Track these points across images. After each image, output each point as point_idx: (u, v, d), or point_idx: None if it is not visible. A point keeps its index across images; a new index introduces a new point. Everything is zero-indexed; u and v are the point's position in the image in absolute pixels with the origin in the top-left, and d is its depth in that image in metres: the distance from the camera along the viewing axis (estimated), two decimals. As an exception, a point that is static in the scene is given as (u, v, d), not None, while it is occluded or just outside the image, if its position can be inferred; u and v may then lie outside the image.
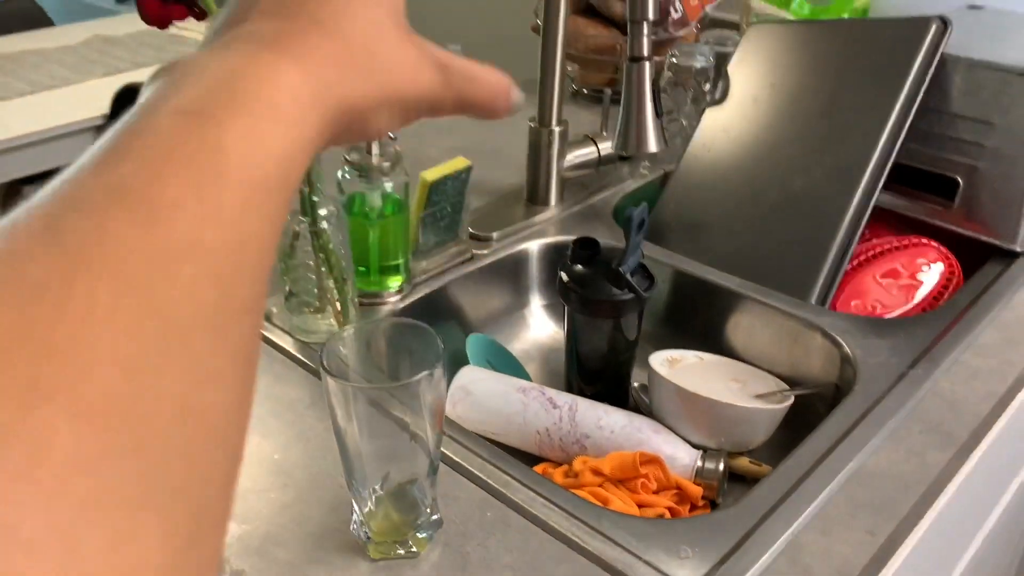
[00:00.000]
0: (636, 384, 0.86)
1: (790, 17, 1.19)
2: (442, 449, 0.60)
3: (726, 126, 0.97)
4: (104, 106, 1.82)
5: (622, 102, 0.76)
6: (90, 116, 1.81)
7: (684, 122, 1.06)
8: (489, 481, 0.61)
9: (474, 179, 0.94)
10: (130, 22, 2.45)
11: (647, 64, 0.74)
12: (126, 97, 1.77)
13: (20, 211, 0.19)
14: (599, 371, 0.84)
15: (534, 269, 0.93)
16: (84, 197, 0.19)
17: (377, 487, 0.55)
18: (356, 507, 0.56)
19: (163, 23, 0.58)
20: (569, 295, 0.79)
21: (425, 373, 0.51)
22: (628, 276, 0.77)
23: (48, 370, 0.16)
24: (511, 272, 0.92)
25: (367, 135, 0.28)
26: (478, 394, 0.79)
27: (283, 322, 0.77)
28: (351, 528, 0.57)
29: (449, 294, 0.86)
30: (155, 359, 0.17)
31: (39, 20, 2.48)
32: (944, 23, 0.88)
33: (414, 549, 0.56)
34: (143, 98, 0.23)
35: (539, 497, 0.59)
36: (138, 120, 0.22)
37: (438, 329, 0.86)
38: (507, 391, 0.79)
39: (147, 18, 0.58)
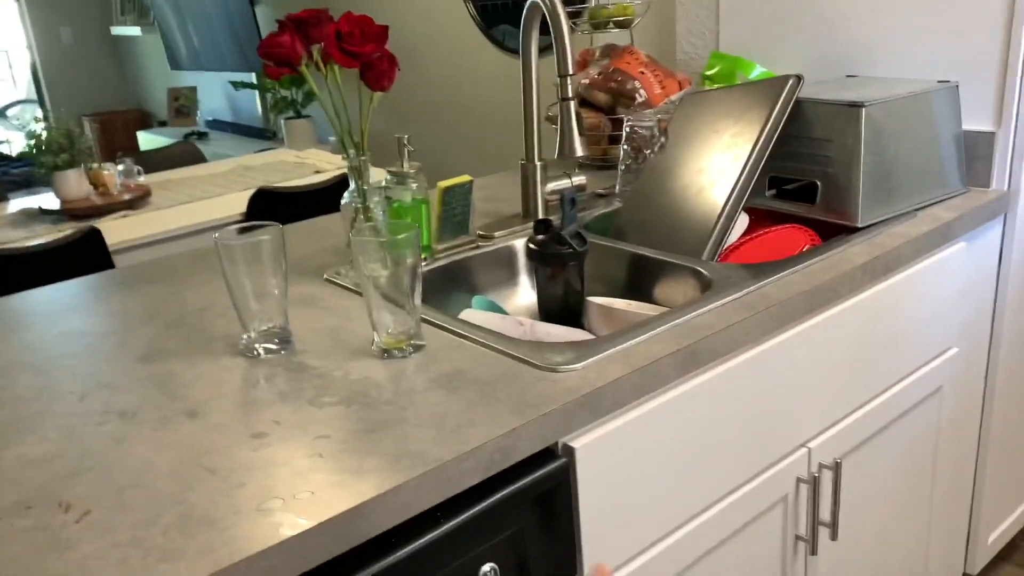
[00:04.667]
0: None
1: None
2: (439, 323, 1.01)
3: (664, 166, 1.38)
4: (241, 208, 2.38)
5: (559, 126, 1.19)
6: (230, 215, 2.38)
7: (635, 167, 1.48)
8: (461, 332, 1.00)
9: (486, 207, 1.36)
10: (265, 157, 3.10)
11: (572, 102, 1.17)
12: (259, 197, 2.33)
13: None
14: (558, 315, 1.23)
15: (521, 257, 1.34)
16: None
17: (388, 330, 0.96)
18: (376, 337, 0.97)
19: (278, 77, 1.06)
20: (532, 254, 1.20)
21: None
22: (567, 237, 1.17)
23: None
24: (506, 258, 1.33)
25: None
26: (473, 321, 1.18)
27: (345, 277, 1.21)
28: (371, 347, 0.97)
29: (462, 267, 1.28)
30: None
31: (197, 159, 3.17)
32: (799, 78, 1.29)
33: (406, 354, 0.95)
34: None
35: (489, 336, 0.98)
36: None
37: (454, 291, 1.29)
38: (491, 318, 1.18)
39: (269, 76, 1.07)
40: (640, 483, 0.93)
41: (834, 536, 1.19)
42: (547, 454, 0.84)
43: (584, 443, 0.85)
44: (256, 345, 0.99)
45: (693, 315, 1.00)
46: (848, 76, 1.50)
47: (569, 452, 0.85)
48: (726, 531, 1.05)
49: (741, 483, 1.06)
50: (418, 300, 0.96)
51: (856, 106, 1.23)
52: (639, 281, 1.26)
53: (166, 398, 0.90)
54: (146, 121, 5.96)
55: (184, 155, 3.13)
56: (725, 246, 1.24)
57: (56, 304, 1.21)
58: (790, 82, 1.29)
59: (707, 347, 0.95)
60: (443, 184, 1.25)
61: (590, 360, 0.90)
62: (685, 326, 0.97)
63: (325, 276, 1.23)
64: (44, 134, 2.34)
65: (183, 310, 1.15)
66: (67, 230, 2.07)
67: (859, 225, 1.24)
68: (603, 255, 1.29)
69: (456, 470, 0.76)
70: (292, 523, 0.67)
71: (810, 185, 1.31)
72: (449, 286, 1.27)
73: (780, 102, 1.27)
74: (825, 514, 1.17)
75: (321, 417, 0.84)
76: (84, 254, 1.98)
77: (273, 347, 0.99)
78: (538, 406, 0.82)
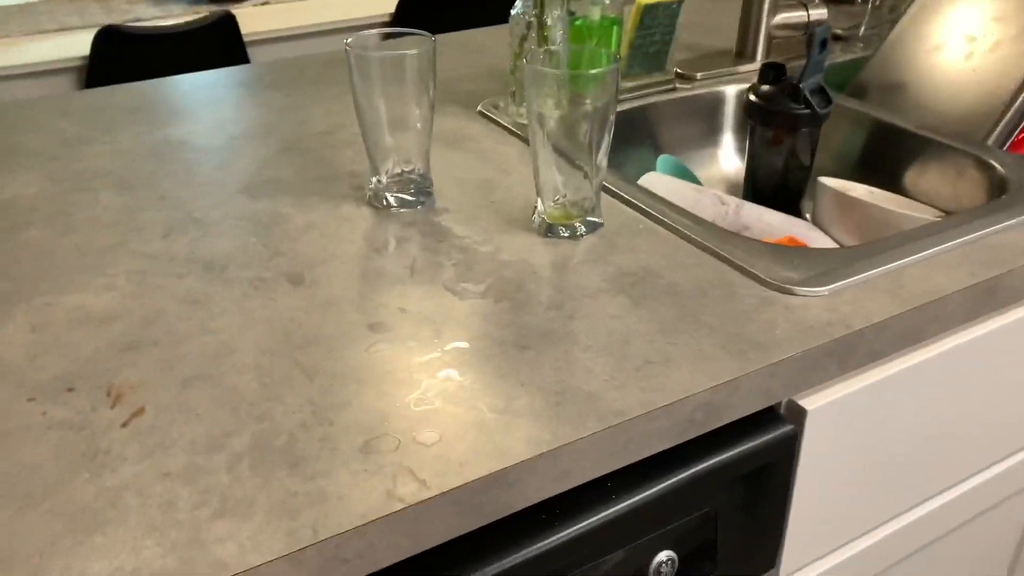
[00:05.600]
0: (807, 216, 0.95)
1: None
2: (615, 190, 0.75)
3: (939, 8, 1.02)
4: (389, 9, 2.12)
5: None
6: (378, 15, 2.12)
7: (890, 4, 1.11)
8: (647, 208, 0.74)
9: (687, 38, 1.06)
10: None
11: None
12: (408, 2, 2.05)
13: None
14: (770, 194, 0.94)
15: (729, 110, 1.04)
16: None
17: (557, 197, 0.71)
18: (540, 205, 0.72)
19: None
20: (752, 110, 0.90)
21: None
22: (806, 92, 0.87)
23: None
24: (708, 109, 1.03)
25: None
26: (657, 192, 0.92)
27: (505, 112, 0.95)
28: (532, 217, 0.73)
29: (648, 114, 1.00)
30: None
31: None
32: None
33: (577, 234, 0.71)
34: None
35: (685, 219, 0.72)
36: None
37: (633, 146, 1.01)
38: (682, 189, 0.91)
39: None
40: (870, 459, 0.68)
41: (1088, 529, 0.92)
42: (766, 416, 0.60)
43: (819, 406, 0.60)
44: (387, 193, 0.76)
45: (989, 231, 0.70)
46: None
47: (798, 416, 0.60)
48: (961, 518, 0.80)
49: (991, 463, 0.79)
50: (603, 159, 0.70)
51: None
52: (885, 162, 0.94)
53: (266, 250, 0.70)
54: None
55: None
56: (1018, 133, 0.90)
57: (166, 101, 1.02)
58: None
59: (1011, 283, 0.66)
60: (645, 0, 0.95)
61: (843, 283, 0.63)
62: (978, 246, 0.68)
63: (480, 108, 0.97)
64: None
65: (305, 130, 0.93)
66: (202, 12, 1.88)
67: None
68: (838, 120, 0.98)
69: (641, 431, 0.52)
70: (409, 485, 0.46)
71: None
72: (629, 138, 0.99)
73: None
74: (1089, 505, 0.89)
75: (460, 312, 0.61)
76: (216, 41, 1.78)
77: (408, 198, 0.76)
78: (767, 347, 0.57)
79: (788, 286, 0.62)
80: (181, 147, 0.89)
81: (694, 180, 1.00)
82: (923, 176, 0.90)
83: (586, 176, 0.70)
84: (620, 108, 0.98)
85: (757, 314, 0.60)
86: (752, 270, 0.65)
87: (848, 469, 0.66)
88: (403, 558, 0.47)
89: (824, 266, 0.65)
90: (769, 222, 0.87)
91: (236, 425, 0.51)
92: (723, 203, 0.89)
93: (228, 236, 0.72)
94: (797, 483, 0.63)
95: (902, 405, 0.66)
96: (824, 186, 0.87)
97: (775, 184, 0.93)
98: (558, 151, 0.69)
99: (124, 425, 0.51)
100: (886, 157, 0.94)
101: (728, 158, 1.04)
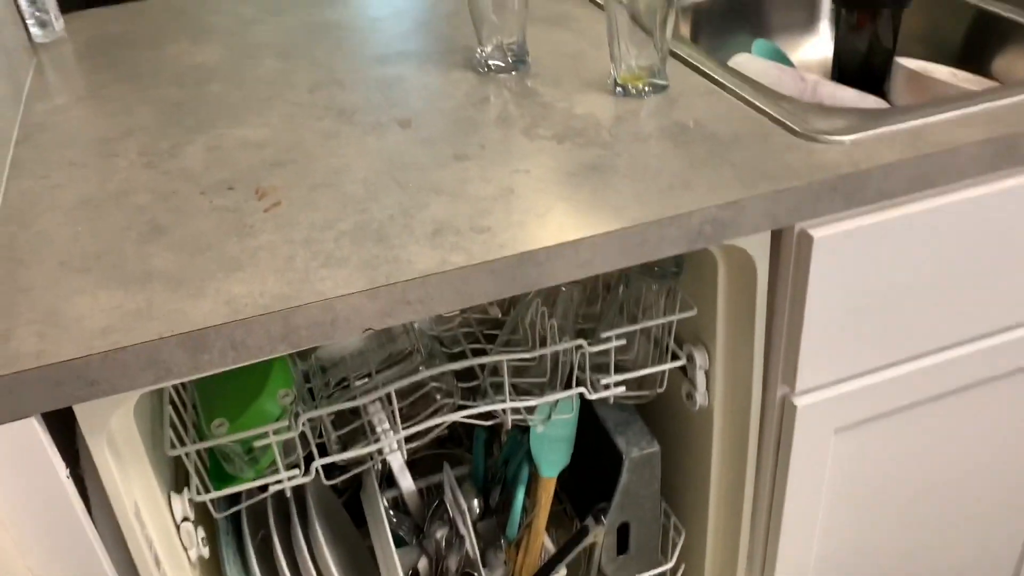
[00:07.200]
0: (891, 96, 1.00)
1: None
2: (690, 60, 0.85)
3: None
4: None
5: None
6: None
7: None
8: (713, 75, 0.84)
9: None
10: None
11: None
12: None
13: None
14: (855, 76, 1.00)
15: (828, -1, 1.09)
16: None
17: (629, 63, 0.82)
18: (614, 70, 0.83)
19: None
20: (836, -7, 0.96)
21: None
22: (887, -24, 0.92)
23: None
24: (807, -3, 1.09)
25: None
26: (744, 71, 1.00)
27: (612, -4, 1.05)
28: (607, 83, 0.85)
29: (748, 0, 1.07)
30: None
31: None
32: None
33: (643, 94, 0.82)
34: None
35: (745, 85, 0.81)
36: None
37: (732, 31, 1.10)
38: (767, 68, 0.99)
39: None
40: (880, 297, 0.76)
41: None
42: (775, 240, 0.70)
43: (827, 235, 0.70)
44: (488, 60, 0.90)
45: (1028, 97, 0.75)
46: None
47: (806, 243, 0.70)
48: (969, 378, 0.86)
49: (1002, 328, 0.84)
50: (669, 31, 0.80)
51: None
52: (977, 48, 0.98)
53: (386, 103, 0.86)
54: None
55: None
56: (1114, 13, 0.91)
57: (324, -7, 1.20)
58: None
59: (1034, 142, 0.72)
60: None
61: (864, 134, 0.71)
62: (1012, 109, 0.73)
63: (587, -6, 1.08)
64: None
65: (435, 12, 1.08)
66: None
67: None
68: (928, 6, 1.01)
69: (654, 235, 0.65)
70: (460, 255, 0.62)
71: None
72: (728, 23, 1.07)
73: None
74: None
75: (528, 150, 0.75)
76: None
77: (504, 65, 0.89)
78: (777, 179, 0.67)
79: (815, 134, 0.72)
80: (333, 26, 1.06)
81: (787, 63, 1.07)
82: (1012, 60, 0.93)
83: (655, 46, 0.81)
84: (718, -5, 1.06)
85: (779, 156, 0.70)
86: (787, 123, 0.74)
87: (858, 302, 0.75)
88: (454, 309, 0.62)
89: (856, 120, 0.73)
90: (843, 98, 0.93)
91: (343, 215, 0.68)
92: (803, 80, 0.96)
93: (359, 92, 0.88)
94: (808, 306, 0.73)
95: (913, 247, 0.74)
96: (900, 65, 0.92)
97: (858, 66, 0.99)
98: (635, 22, 0.80)
99: (266, 211, 0.69)
100: (975, 41, 0.97)
101: (823, 43, 1.10)
